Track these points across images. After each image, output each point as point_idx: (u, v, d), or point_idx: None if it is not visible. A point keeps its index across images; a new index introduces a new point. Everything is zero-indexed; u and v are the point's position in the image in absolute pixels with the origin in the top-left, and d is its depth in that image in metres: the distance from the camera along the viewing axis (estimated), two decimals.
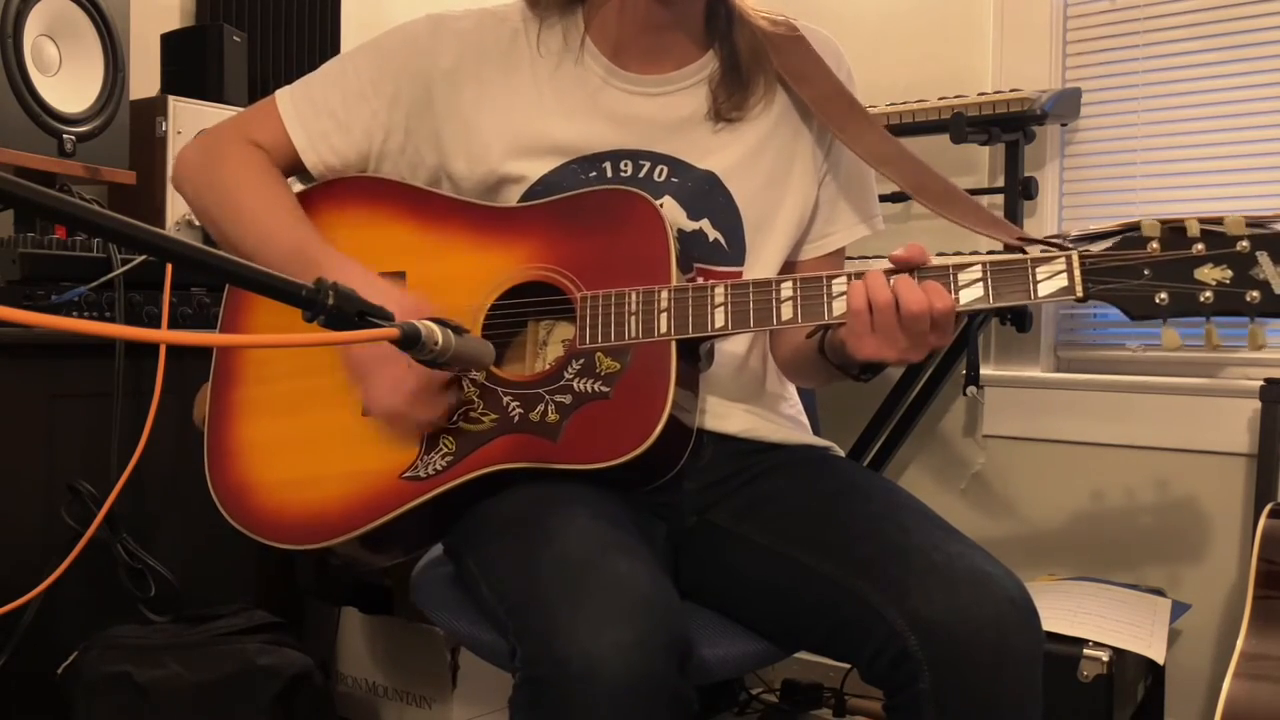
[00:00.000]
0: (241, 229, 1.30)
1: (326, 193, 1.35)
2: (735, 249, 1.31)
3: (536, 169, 1.29)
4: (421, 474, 1.22)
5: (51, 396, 1.59)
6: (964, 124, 2.08)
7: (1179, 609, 1.99)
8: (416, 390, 1.18)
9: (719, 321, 1.16)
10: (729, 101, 1.31)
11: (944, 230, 2.00)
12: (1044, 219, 2.28)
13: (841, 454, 1.40)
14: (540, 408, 1.20)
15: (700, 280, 1.28)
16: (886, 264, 1.13)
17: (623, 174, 1.29)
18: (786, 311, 1.15)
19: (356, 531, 1.22)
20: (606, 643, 0.97)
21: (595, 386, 1.19)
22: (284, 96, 1.36)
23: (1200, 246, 1.05)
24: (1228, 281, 1.04)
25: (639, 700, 0.97)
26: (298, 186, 1.38)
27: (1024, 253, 1.15)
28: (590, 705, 0.96)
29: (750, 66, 1.32)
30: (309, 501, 1.25)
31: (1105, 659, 1.71)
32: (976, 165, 2.36)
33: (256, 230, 1.29)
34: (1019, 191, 2.16)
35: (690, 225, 1.29)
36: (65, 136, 1.75)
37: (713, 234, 1.30)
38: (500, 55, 1.32)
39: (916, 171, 1.32)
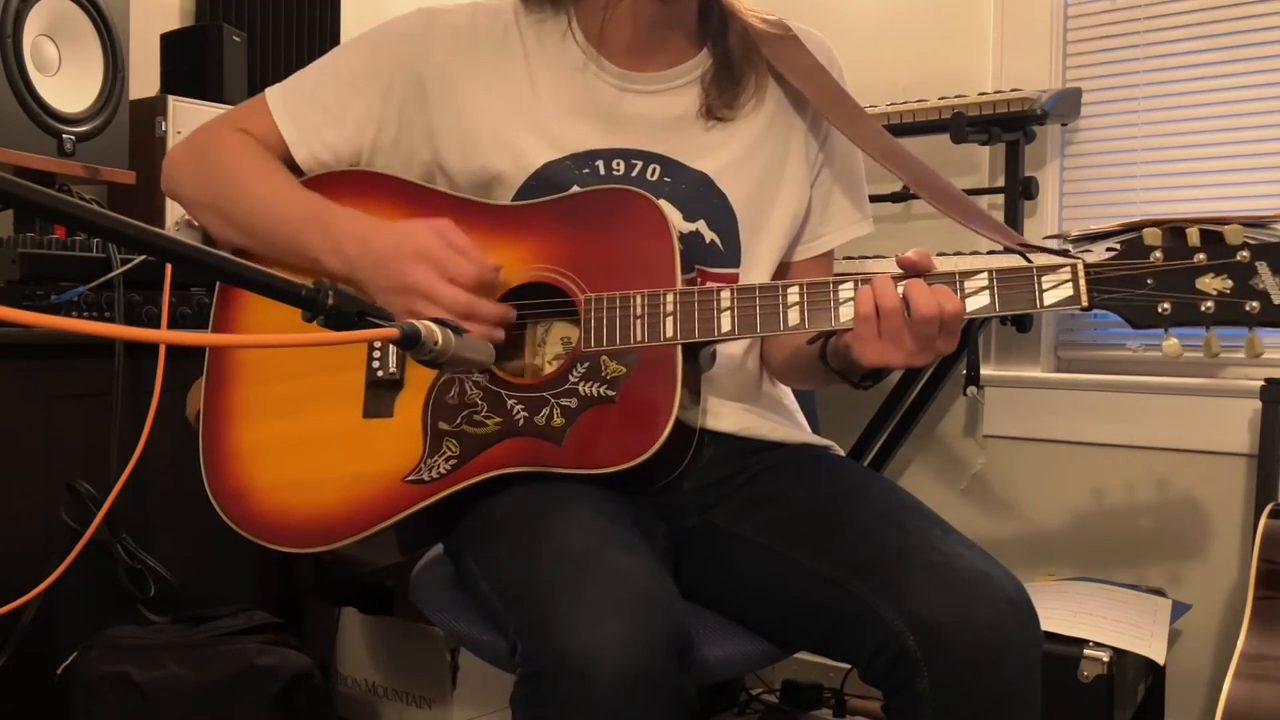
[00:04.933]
0: (247, 205, 1.29)
1: (320, 186, 1.32)
2: (731, 250, 1.31)
3: (529, 165, 1.28)
4: (425, 477, 1.21)
5: (51, 396, 1.59)
6: (964, 124, 2.08)
7: (1179, 609, 1.99)
8: (472, 284, 1.17)
9: (725, 326, 1.15)
10: (720, 99, 1.32)
11: (945, 231, 2.00)
12: (1044, 219, 2.28)
13: (841, 453, 1.40)
14: (545, 411, 1.19)
15: (699, 281, 1.28)
16: (889, 267, 1.14)
17: (615, 173, 1.29)
18: (793, 316, 1.14)
19: (359, 535, 1.22)
20: (606, 635, 0.97)
21: (600, 390, 1.18)
22: (273, 92, 1.35)
23: (1201, 256, 1.06)
24: (1228, 291, 1.05)
25: (638, 693, 0.97)
26: None
27: (1027, 259, 1.15)
28: (590, 698, 0.96)
29: (742, 64, 1.32)
30: (310, 505, 1.25)
31: (1105, 659, 1.71)
32: (977, 165, 2.35)
33: (262, 204, 1.28)
34: (1019, 191, 2.16)
35: (687, 226, 1.29)
36: (65, 136, 1.75)
37: (709, 235, 1.30)
38: (493, 49, 1.32)
39: (918, 168, 1.32)
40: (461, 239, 1.20)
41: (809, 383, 1.42)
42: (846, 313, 1.12)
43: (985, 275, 1.10)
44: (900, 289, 1.09)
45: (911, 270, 1.11)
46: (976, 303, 1.10)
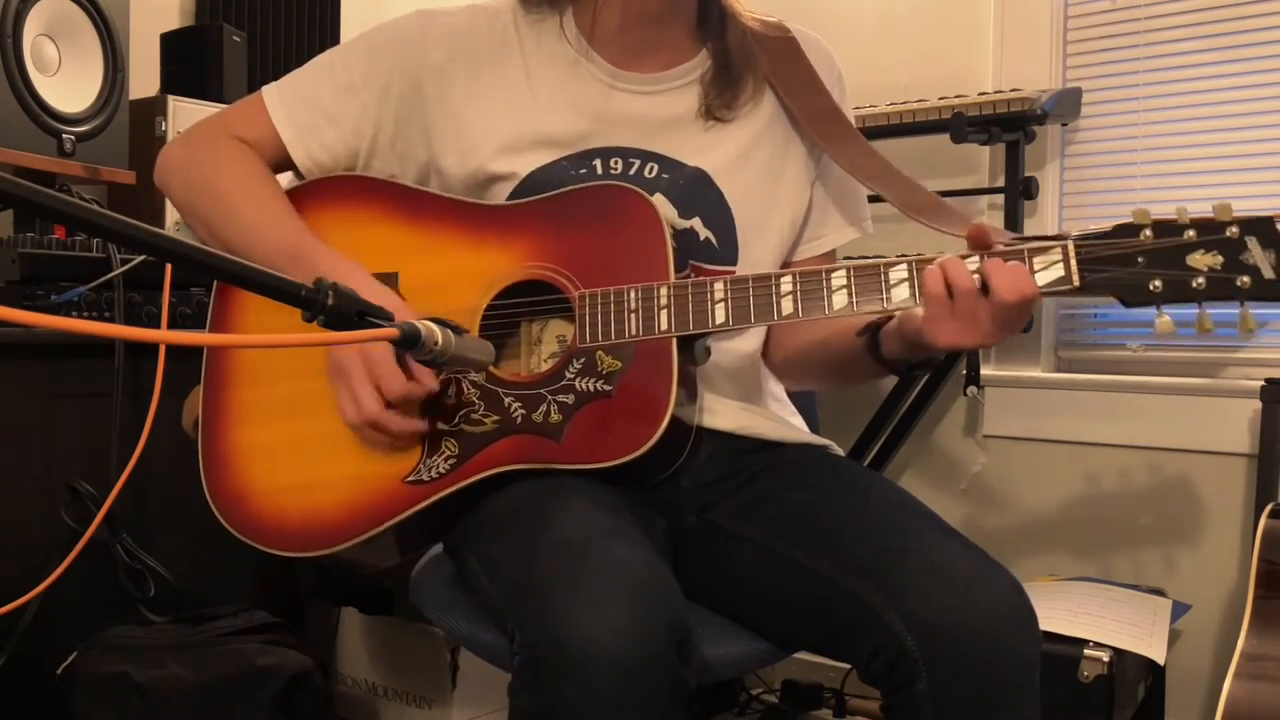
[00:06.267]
0: (234, 228, 1.28)
1: (316, 191, 1.33)
2: (727, 248, 1.31)
3: (526, 164, 1.28)
4: (425, 477, 1.21)
5: (51, 396, 1.59)
6: (964, 124, 2.08)
7: (1179, 609, 1.99)
8: (394, 399, 1.17)
9: (719, 317, 1.16)
10: (719, 100, 1.32)
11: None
12: (1044, 219, 2.28)
13: (841, 453, 1.40)
14: (543, 408, 1.19)
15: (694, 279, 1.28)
16: (894, 260, 1.13)
17: (613, 171, 1.29)
18: (787, 306, 1.14)
19: (360, 537, 1.22)
20: (604, 624, 0.97)
21: (597, 385, 1.18)
22: (271, 92, 1.35)
23: (1191, 233, 1.06)
24: (1219, 267, 1.05)
25: (637, 681, 0.97)
26: (287, 183, 1.36)
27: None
28: (588, 686, 0.96)
29: (740, 66, 1.32)
30: (309, 507, 1.24)
31: (1105, 659, 1.71)
32: (977, 165, 2.35)
33: (250, 230, 1.27)
34: (1019, 191, 2.16)
35: (682, 223, 1.29)
36: (65, 136, 1.75)
37: (704, 232, 1.30)
38: (491, 50, 1.32)
39: (903, 187, 1.32)
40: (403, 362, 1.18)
41: (827, 379, 1.42)
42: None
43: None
44: (973, 269, 1.08)
45: (979, 247, 1.10)
46: None
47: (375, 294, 1.15)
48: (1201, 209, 2.23)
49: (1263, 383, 1.92)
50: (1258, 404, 1.93)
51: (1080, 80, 2.28)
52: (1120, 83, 2.25)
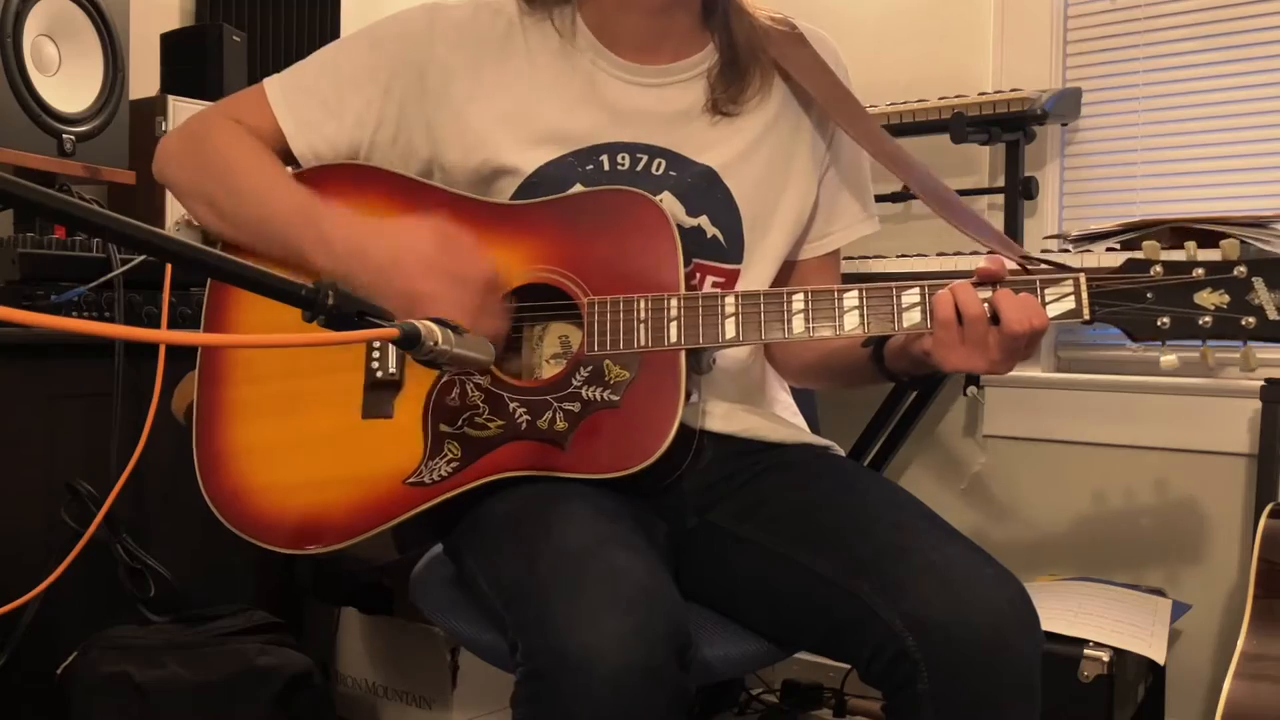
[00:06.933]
0: (239, 198, 1.27)
1: (315, 179, 1.31)
2: (733, 246, 1.31)
3: (531, 161, 1.28)
4: (426, 480, 1.21)
5: (51, 396, 1.59)
6: (964, 124, 2.08)
7: (1179, 609, 1.99)
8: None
9: (729, 332, 1.16)
10: (726, 94, 1.31)
11: (944, 230, 2.00)
12: (1044, 219, 2.28)
13: (842, 453, 1.40)
14: (548, 415, 1.19)
15: (698, 276, 1.28)
16: (889, 266, 1.13)
17: (620, 167, 1.29)
18: (798, 324, 1.14)
19: (359, 538, 1.21)
20: (605, 633, 0.97)
21: (604, 395, 1.18)
22: (272, 84, 1.34)
23: (1200, 271, 1.08)
24: (1225, 306, 1.07)
25: (638, 690, 0.97)
26: None
27: (1028, 271, 1.16)
28: (589, 695, 0.96)
29: (747, 59, 1.32)
30: (309, 506, 1.24)
31: (1105, 659, 1.71)
32: (977, 165, 2.35)
33: (256, 198, 1.26)
34: (1019, 191, 2.17)
35: (689, 221, 1.29)
36: (65, 136, 1.75)
37: (711, 230, 1.30)
38: (496, 45, 1.31)
39: (920, 173, 1.32)
40: (463, 242, 1.19)
41: (840, 383, 1.42)
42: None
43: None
44: (984, 297, 1.09)
45: (990, 280, 1.11)
46: None
47: (395, 231, 1.18)
48: (1201, 209, 2.23)
49: (1263, 383, 1.92)
50: (1258, 404, 1.92)
51: (1080, 80, 2.28)
52: (1120, 83, 2.24)
